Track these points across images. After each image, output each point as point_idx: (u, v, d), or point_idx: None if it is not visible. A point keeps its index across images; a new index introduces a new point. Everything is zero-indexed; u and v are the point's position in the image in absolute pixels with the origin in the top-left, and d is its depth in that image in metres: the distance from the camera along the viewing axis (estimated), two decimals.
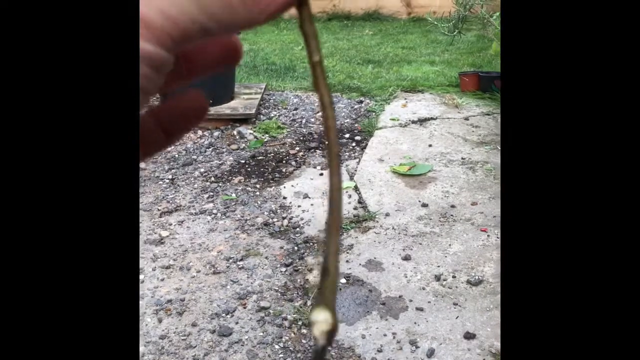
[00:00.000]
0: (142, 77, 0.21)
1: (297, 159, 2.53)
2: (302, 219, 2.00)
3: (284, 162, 2.50)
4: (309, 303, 1.55)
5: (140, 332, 1.43)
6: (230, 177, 2.35)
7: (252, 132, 2.81)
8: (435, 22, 2.83)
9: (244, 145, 2.69)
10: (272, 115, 3.07)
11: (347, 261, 1.74)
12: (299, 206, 2.09)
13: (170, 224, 1.97)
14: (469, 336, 1.42)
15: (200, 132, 2.82)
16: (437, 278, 1.65)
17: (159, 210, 2.07)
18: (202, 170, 2.42)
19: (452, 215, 2.01)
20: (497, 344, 1.39)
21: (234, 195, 2.18)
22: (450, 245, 1.82)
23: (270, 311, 1.53)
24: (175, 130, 0.28)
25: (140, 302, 1.53)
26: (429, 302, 1.55)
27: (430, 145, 2.64)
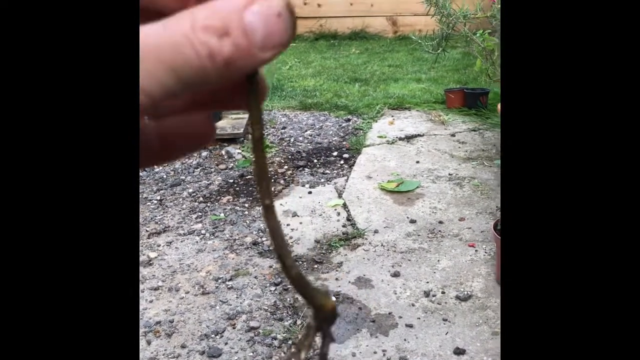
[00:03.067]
0: None
1: (286, 177, 2.54)
2: (291, 237, 2.00)
3: (272, 181, 2.50)
4: (298, 322, 1.55)
5: None
6: (218, 197, 2.35)
7: (240, 151, 2.82)
8: (420, 41, 2.87)
9: (232, 164, 2.69)
10: None
11: (336, 279, 1.74)
12: (287, 225, 2.09)
13: (159, 245, 1.97)
14: (459, 352, 1.42)
15: None
16: (427, 294, 1.65)
17: (147, 231, 2.06)
18: (190, 190, 2.42)
19: (440, 231, 2.02)
20: (487, 359, 1.40)
21: (222, 215, 2.18)
22: (438, 261, 1.83)
23: (260, 331, 1.52)
24: (174, 149, 0.28)
25: None
26: (419, 318, 1.55)
27: (417, 162, 2.66)
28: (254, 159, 0.25)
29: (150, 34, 0.21)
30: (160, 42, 0.21)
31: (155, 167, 2.67)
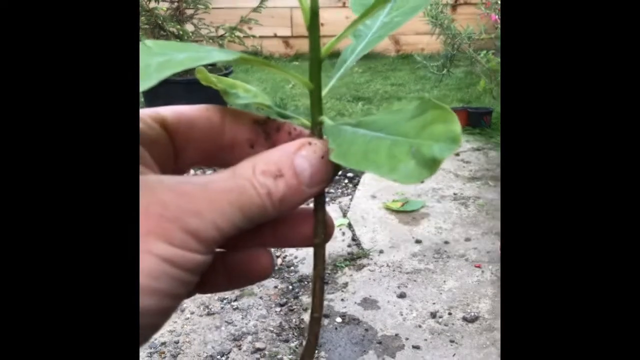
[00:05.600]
0: (178, 280, 0.24)
1: None
2: (296, 257, 2.00)
3: None
4: (304, 343, 1.54)
5: None
6: None
7: None
8: (424, 62, 2.89)
9: None
10: None
11: (342, 300, 1.73)
12: None
13: None
14: None
15: (192, 172, 2.83)
16: (433, 315, 1.64)
17: None
18: None
19: (445, 251, 2.01)
20: None
21: None
22: (445, 281, 1.82)
23: (266, 352, 1.51)
24: (237, 280, 0.32)
25: None
26: (425, 339, 1.54)
27: (422, 181, 2.66)
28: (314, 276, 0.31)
29: (222, 179, 0.25)
30: (230, 186, 0.25)
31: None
